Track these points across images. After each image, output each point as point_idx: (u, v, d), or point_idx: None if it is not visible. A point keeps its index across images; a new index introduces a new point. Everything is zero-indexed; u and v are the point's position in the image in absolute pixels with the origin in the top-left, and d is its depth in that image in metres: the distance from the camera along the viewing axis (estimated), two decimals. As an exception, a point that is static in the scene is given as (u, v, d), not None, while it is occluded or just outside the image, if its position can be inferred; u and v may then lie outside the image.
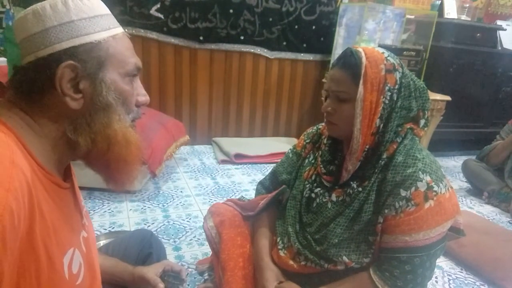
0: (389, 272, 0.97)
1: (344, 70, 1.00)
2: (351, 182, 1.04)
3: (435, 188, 0.93)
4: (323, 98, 1.09)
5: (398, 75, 0.99)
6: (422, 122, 1.04)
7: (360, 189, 1.02)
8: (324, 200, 1.09)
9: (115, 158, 0.64)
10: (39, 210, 0.53)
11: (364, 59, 0.98)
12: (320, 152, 1.15)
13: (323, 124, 1.24)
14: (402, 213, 0.94)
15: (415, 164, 0.95)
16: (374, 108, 0.97)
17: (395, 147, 0.99)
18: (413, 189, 0.93)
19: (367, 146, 1.00)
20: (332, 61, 3.09)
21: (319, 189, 1.11)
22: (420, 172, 0.94)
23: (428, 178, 0.94)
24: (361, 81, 0.97)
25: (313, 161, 1.18)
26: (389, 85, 0.97)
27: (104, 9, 0.65)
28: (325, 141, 1.15)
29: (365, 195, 1.00)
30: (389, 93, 0.97)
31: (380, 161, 1.00)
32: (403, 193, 0.94)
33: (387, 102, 0.98)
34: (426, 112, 1.04)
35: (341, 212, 1.03)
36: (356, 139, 0.99)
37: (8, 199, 0.46)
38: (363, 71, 0.97)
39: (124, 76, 0.65)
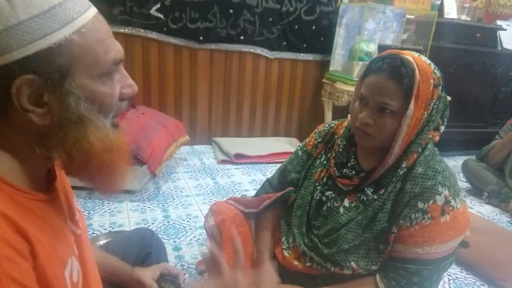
0: (395, 281, 0.96)
1: (393, 80, 0.92)
2: (366, 189, 1.02)
3: (452, 203, 0.92)
4: (356, 103, 1.02)
5: (440, 89, 0.95)
6: (442, 128, 1.02)
7: (375, 196, 1.00)
8: (336, 204, 1.06)
9: (97, 168, 0.56)
10: (35, 239, 0.50)
11: (417, 73, 0.91)
12: (333, 153, 1.11)
13: (335, 122, 1.20)
14: (417, 225, 0.93)
15: (435, 177, 0.93)
16: (417, 124, 0.94)
17: (415, 156, 0.97)
18: (431, 202, 0.92)
19: None
20: (331, 60, 3.11)
21: (330, 192, 1.08)
22: (439, 186, 0.93)
23: (446, 192, 0.92)
24: (413, 98, 0.91)
25: (325, 162, 1.14)
26: (434, 100, 0.94)
27: None
28: (339, 141, 1.11)
29: (381, 204, 0.98)
30: (431, 109, 0.95)
31: (399, 170, 0.97)
32: (420, 205, 0.93)
33: (426, 116, 0.94)
34: (446, 120, 1.02)
35: (354, 218, 1.01)
36: (394, 155, 0.96)
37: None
38: (416, 87, 0.90)
39: (99, 77, 0.53)
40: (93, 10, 0.53)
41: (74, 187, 0.72)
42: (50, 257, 0.53)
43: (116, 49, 0.55)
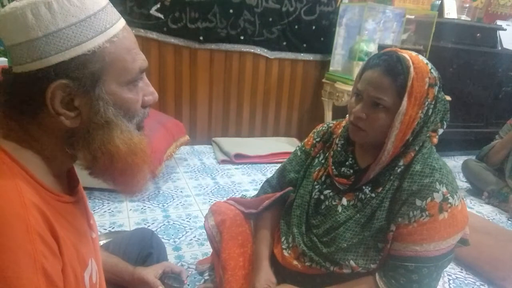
0: (395, 280, 0.96)
1: (387, 76, 0.93)
2: (364, 187, 1.02)
3: (450, 200, 0.92)
4: (352, 99, 1.04)
5: (436, 89, 0.95)
6: (441, 131, 1.02)
7: (373, 195, 1.00)
8: (334, 203, 1.06)
9: (120, 171, 0.59)
10: (62, 239, 0.52)
11: (412, 70, 0.92)
12: (331, 152, 1.12)
13: (334, 122, 1.21)
14: (415, 223, 0.93)
15: (433, 174, 0.94)
16: (411, 122, 0.94)
17: (412, 155, 0.97)
18: (429, 199, 0.92)
19: None
20: (331, 60, 3.11)
21: (329, 191, 1.09)
22: (437, 183, 0.93)
23: (444, 189, 0.93)
24: (406, 94, 0.91)
25: (323, 161, 1.15)
26: (429, 99, 0.94)
27: (97, 3, 0.54)
28: (337, 141, 1.11)
29: (379, 202, 0.99)
30: (426, 108, 0.95)
31: (397, 168, 0.98)
32: (418, 202, 0.93)
33: (422, 116, 0.95)
34: (445, 123, 1.02)
35: (352, 216, 1.02)
36: (387, 152, 0.96)
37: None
38: (409, 83, 0.91)
39: (126, 84, 0.57)
40: (123, 21, 0.57)
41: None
42: (73, 257, 0.54)
43: (142, 58, 0.59)
